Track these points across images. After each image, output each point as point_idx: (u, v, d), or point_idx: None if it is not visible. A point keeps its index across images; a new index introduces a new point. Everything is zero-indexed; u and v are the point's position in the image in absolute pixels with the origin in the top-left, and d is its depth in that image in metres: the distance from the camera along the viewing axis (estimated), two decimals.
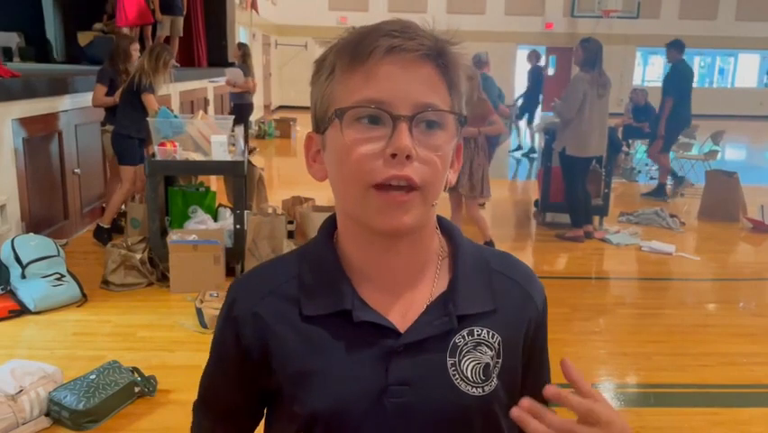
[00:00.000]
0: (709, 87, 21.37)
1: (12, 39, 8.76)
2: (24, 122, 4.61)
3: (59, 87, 5.18)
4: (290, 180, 8.13)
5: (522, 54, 19.62)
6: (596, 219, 5.99)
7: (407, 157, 0.71)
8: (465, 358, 0.78)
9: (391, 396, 0.76)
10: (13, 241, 3.91)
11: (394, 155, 0.71)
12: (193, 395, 0.96)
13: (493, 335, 0.80)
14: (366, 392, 0.76)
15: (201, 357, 0.90)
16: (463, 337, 0.78)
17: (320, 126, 0.78)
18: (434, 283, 0.81)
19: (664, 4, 19.39)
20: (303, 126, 13.37)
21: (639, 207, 6.66)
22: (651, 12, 19.05)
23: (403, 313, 0.78)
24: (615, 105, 9.98)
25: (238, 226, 4.39)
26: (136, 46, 5.26)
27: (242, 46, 8.86)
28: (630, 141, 9.77)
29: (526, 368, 0.86)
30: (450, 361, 0.78)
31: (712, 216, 6.49)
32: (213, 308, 3.54)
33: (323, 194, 6.43)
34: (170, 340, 3.41)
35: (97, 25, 8.82)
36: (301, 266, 0.83)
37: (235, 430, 0.92)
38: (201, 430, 0.94)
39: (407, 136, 0.71)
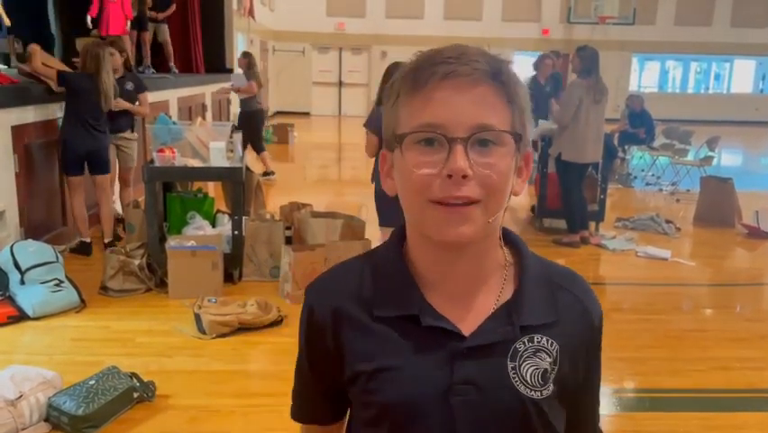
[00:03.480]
0: (705, 93, 21.46)
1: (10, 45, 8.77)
2: (23, 128, 4.62)
3: (57, 93, 5.19)
4: (288, 186, 8.15)
5: (519, 60, 19.72)
6: (592, 225, 6.02)
7: (464, 177, 0.75)
8: (525, 363, 0.83)
9: (456, 394, 0.81)
10: (12, 247, 3.93)
11: (450, 176, 0.75)
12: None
13: (552, 343, 0.85)
14: (433, 390, 0.82)
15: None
16: (524, 343, 0.83)
17: (389, 146, 0.84)
18: (499, 292, 0.86)
19: (660, 10, 19.47)
20: (300, 132, 13.39)
21: (635, 213, 6.69)
22: (647, 18, 19.13)
23: (468, 318, 0.83)
24: (611, 111, 10.04)
25: (236, 232, 4.41)
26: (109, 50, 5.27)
27: (247, 55, 8.80)
28: (626, 146, 9.81)
29: (579, 380, 0.90)
30: (510, 365, 0.83)
31: (707, 222, 6.53)
32: (211, 314, 3.56)
33: (321, 199, 6.45)
34: (169, 346, 3.43)
35: (95, 32, 8.84)
36: (372, 271, 0.89)
37: (328, 414, 0.99)
38: (300, 411, 1.02)
39: (463, 158, 0.75)
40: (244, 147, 8.37)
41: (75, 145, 4.74)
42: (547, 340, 0.84)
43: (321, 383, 0.95)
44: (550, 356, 0.84)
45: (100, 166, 4.93)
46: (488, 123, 0.77)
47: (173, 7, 9.49)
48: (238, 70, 8.88)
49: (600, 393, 1.00)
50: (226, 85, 8.86)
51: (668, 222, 6.34)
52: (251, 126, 8.46)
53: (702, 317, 4.40)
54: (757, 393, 3.25)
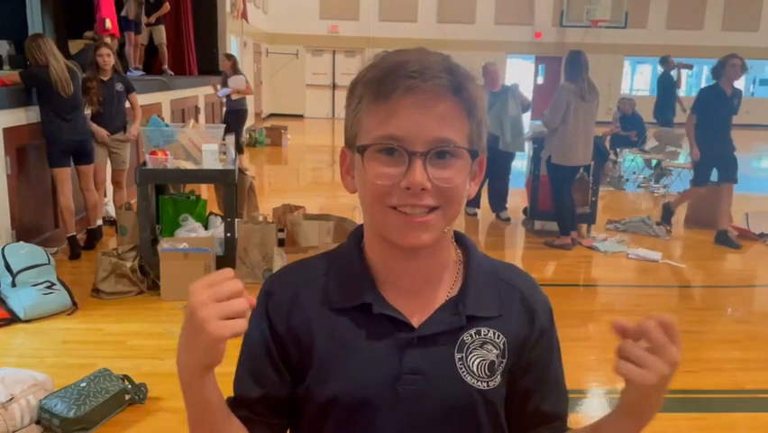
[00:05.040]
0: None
1: (1, 47, 8.75)
2: (15, 131, 4.61)
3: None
4: (281, 189, 8.16)
5: (512, 63, 19.78)
6: (583, 227, 6.05)
7: (422, 189, 0.79)
8: (472, 354, 0.86)
9: (404, 383, 0.84)
10: (3, 249, 3.92)
11: (408, 188, 0.78)
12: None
13: (499, 336, 0.88)
14: (381, 379, 0.85)
15: None
16: (471, 336, 0.87)
17: (350, 146, 0.87)
18: (449, 289, 0.89)
19: (652, 14, 19.59)
20: (294, 134, 13.39)
21: (626, 215, 6.73)
22: (638, 22, 19.25)
23: (419, 312, 0.87)
24: (603, 114, 10.00)
25: (228, 235, 4.41)
26: (101, 51, 5.28)
27: (230, 57, 9.06)
28: (618, 149, 9.86)
29: (527, 375, 0.90)
30: (458, 355, 0.86)
31: (698, 224, 6.56)
32: None
33: (313, 202, 6.45)
34: (161, 348, 3.42)
35: (88, 33, 8.82)
36: (330, 266, 0.92)
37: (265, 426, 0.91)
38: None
39: (421, 172, 0.78)
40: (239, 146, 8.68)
41: (59, 138, 4.74)
42: (494, 333, 0.87)
43: (266, 384, 0.90)
44: (497, 348, 0.87)
45: (84, 156, 4.96)
46: (446, 137, 0.80)
47: (166, 6, 9.46)
48: (239, 74, 8.98)
49: (561, 379, 0.96)
50: (228, 89, 8.87)
51: (659, 224, 6.38)
52: (240, 125, 8.75)
53: (693, 318, 4.42)
54: (748, 394, 3.28)
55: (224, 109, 9.11)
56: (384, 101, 0.80)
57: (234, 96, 8.64)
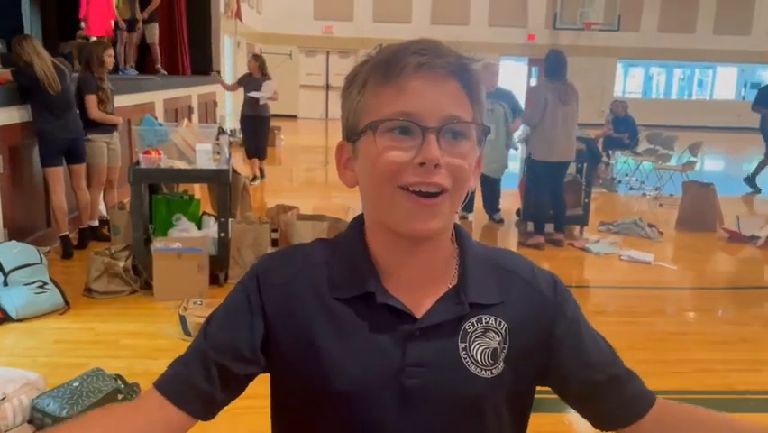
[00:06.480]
0: (688, 99, 21.73)
1: None
2: (8, 129, 4.59)
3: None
4: (274, 189, 8.15)
5: (505, 65, 19.83)
6: (576, 228, 6.08)
7: (436, 166, 0.77)
8: (475, 343, 0.85)
9: (408, 376, 0.82)
10: None
11: (422, 164, 0.77)
12: None
13: (500, 322, 0.87)
14: (384, 372, 0.83)
15: None
16: (473, 324, 0.85)
17: (351, 136, 0.84)
18: (450, 279, 0.88)
19: (644, 17, 19.69)
20: (287, 135, 13.37)
21: (619, 217, 6.76)
22: (631, 25, 19.33)
23: (421, 303, 0.85)
24: (595, 116, 10.02)
25: (222, 234, 4.40)
26: (110, 52, 5.27)
27: (258, 58, 8.78)
28: (610, 151, 9.92)
29: (568, 349, 0.90)
30: (461, 345, 0.84)
31: (689, 226, 6.60)
32: (196, 316, 3.55)
33: (307, 202, 6.46)
34: (154, 348, 3.42)
35: (80, 33, 8.80)
36: (331, 254, 0.89)
37: (202, 400, 0.86)
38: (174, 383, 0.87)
39: (435, 147, 0.77)
40: (262, 152, 8.53)
41: (52, 136, 4.71)
42: (495, 320, 0.86)
43: (226, 354, 0.83)
44: (499, 335, 0.86)
45: (76, 155, 4.94)
46: (458, 114, 0.79)
47: (156, 1, 9.38)
48: (269, 78, 8.77)
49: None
50: (266, 94, 8.60)
51: (651, 226, 6.41)
52: (268, 132, 8.65)
53: (684, 319, 4.45)
54: (738, 395, 3.30)
55: (244, 112, 8.65)
56: (393, 79, 0.79)
57: (263, 102, 8.51)
